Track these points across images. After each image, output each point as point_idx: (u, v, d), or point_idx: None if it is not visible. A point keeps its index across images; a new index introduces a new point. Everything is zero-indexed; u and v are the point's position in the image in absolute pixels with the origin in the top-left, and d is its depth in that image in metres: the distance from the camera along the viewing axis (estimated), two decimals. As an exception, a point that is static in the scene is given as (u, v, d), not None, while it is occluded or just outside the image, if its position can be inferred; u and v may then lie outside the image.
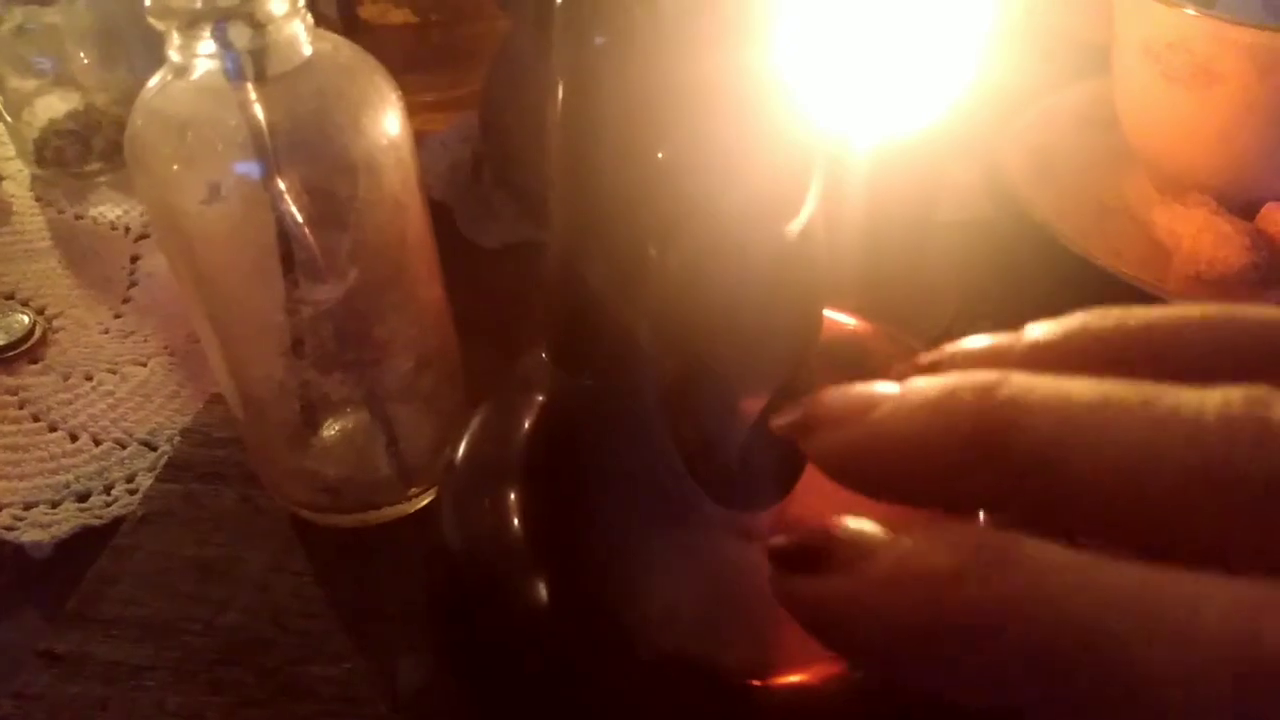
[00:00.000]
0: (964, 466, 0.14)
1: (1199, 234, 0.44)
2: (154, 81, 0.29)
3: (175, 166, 0.28)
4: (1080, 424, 0.13)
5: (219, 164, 0.28)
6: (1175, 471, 0.13)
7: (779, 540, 0.15)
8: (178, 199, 0.28)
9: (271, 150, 0.27)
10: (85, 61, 0.58)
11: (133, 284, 0.52)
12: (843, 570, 0.14)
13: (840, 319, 0.32)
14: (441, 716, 0.32)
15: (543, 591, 0.26)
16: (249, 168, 0.28)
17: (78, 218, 0.57)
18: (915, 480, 0.15)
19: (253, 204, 0.28)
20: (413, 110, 0.58)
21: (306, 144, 0.28)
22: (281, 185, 0.28)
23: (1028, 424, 0.14)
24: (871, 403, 0.15)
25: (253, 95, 0.27)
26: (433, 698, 0.32)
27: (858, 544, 0.14)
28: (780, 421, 0.17)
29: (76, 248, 0.55)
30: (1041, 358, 0.16)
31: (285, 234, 0.28)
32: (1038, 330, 0.17)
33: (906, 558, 0.14)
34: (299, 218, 0.28)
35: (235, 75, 0.27)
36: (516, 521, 0.27)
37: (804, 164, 0.24)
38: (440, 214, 0.50)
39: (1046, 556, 0.13)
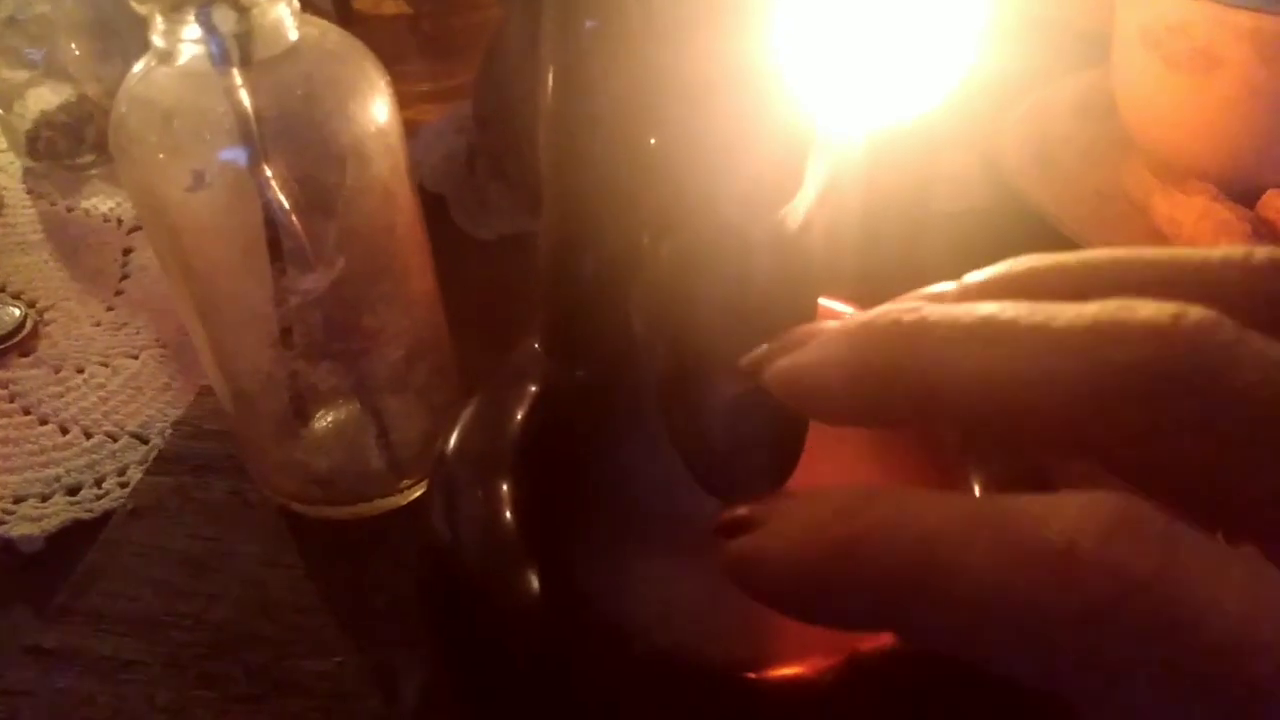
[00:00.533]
0: (878, 381, 0.16)
1: (1199, 221, 0.43)
2: (138, 68, 0.28)
3: (161, 155, 0.28)
4: (966, 334, 0.15)
5: (205, 151, 0.28)
6: (1045, 372, 0.14)
7: (720, 517, 0.17)
8: (163, 187, 0.28)
9: (258, 137, 0.27)
10: (76, 52, 0.57)
11: (125, 276, 0.52)
12: (754, 528, 0.16)
13: (836, 308, 0.31)
14: (438, 714, 0.32)
15: (535, 585, 0.26)
16: (235, 154, 0.27)
17: (70, 210, 0.56)
18: (843, 398, 0.17)
19: (239, 192, 0.28)
20: (407, 101, 0.57)
21: (293, 130, 0.28)
22: (268, 172, 0.27)
23: (923, 338, 0.15)
24: (816, 333, 0.18)
25: (238, 80, 0.26)
26: (430, 696, 0.32)
27: (769, 507, 0.17)
28: (744, 359, 0.19)
29: (68, 240, 0.54)
30: (970, 297, 0.18)
31: (273, 222, 0.28)
32: (971, 276, 0.18)
33: (799, 509, 0.16)
34: (286, 205, 0.28)
35: (221, 60, 0.26)
36: (508, 514, 0.27)
37: (799, 152, 0.24)
38: (435, 205, 0.50)
39: (911, 492, 0.15)
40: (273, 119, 0.27)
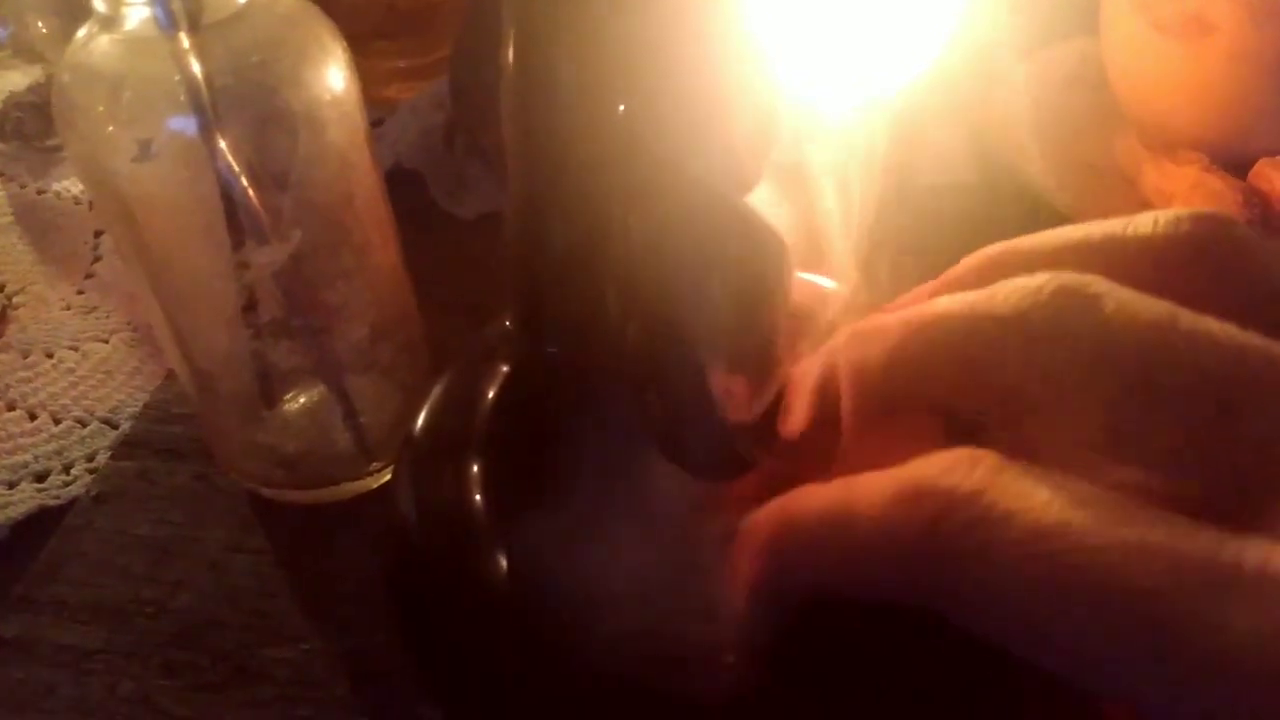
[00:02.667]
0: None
1: (1190, 192, 0.42)
2: (81, 34, 0.27)
3: (109, 127, 0.27)
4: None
5: (153, 120, 0.26)
6: (985, 341, 0.18)
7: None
8: (111, 159, 0.27)
9: (209, 103, 0.26)
10: (44, 31, 0.56)
11: (96, 259, 0.51)
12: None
13: (814, 280, 0.31)
14: (405, 700, 0.31)
15: (503, 567, 0.25)
16: (185, 123, 0.26)
17: (40, 192, 0.55)
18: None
19: (189, 162, 0.27)
20: (385, 78, 0.56)
21: (244, 97, 0.27)
22: (221, 142, 0.26)
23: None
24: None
25: (186, 45, 0.25)
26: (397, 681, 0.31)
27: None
28: None
29: (38, 223, 0.53)
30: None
31: (227, 192, 0.27)
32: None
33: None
34: (240, 176, 0.26)
35: (167, 24, 0.25)
36: (477, 496, 0.26)
37: (772, 118, 0.23)
38: (415, 183, 0.49)
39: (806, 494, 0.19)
40: (223, 86, 0.26)
